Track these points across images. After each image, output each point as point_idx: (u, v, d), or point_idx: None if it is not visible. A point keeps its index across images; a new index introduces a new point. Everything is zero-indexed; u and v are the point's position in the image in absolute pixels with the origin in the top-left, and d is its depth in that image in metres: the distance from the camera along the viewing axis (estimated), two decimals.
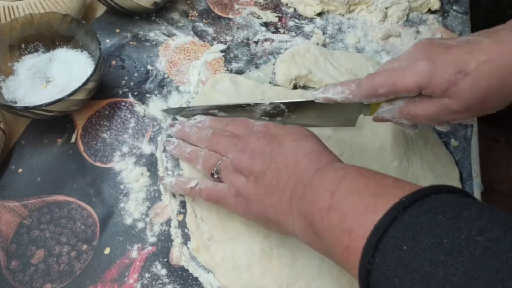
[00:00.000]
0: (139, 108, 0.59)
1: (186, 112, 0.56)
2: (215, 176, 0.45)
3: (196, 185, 0.46)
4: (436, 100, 0.42)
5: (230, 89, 0.57)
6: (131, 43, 0.66)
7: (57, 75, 0.57)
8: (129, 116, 0.58)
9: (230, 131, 0.47)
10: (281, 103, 0.51)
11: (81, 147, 0.55)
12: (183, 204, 0.51)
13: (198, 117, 0.53)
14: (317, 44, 0.67)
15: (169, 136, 0.55)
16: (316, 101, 0.47)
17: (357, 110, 0.49)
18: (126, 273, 0.46)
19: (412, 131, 0.48)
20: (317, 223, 0.35)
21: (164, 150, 0.55)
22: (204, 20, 0.70)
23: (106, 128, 0.57)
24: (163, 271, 0.47)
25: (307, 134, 0.43)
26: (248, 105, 0.51)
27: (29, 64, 0.57)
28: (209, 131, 0.48)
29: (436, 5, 0.73)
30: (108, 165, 0.54)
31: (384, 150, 0.54)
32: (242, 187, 0.42)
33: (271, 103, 0.51)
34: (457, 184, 0.54)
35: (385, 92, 0.43)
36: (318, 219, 0.35)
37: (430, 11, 0.74)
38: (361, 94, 0.44)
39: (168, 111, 0.57)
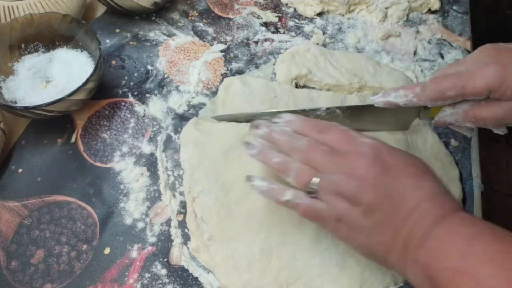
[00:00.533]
0: (139, 108, 0.59)
1: (237, 117, 0.54)
2: (313, 194, 0.40)
3: (292, 199, 0.41)
4: (505, 103, 0.42)
5: (243, 91, 0.57)
6: (131, 43, 0.66)
7: (57, 75, 0.57)
8: (129, 116, 0.58)
9: (327, 143, 0.42)
10: (337, 108, 0.49)
11: (81, 147, 0.55)
12: (183, 204, 0.51)
13: (286, 116, 0.46)
14: (317, 44, 0.67)
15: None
16: (376, 105, 0.46)
17: (414, 114, 0.49)
18: (126, 273, 0.46)
19: (470, 134, 0.49)
20: (441, 282, 0.33)
21: (164, 150, 0.55)
22: (204, 20, 0.70)
23: (106, 128, 0.57)
24: (163, 271, 0.47)
25: (427, 170, 0.39)
26: (303, 110, 0.49)
27: (29, 64, 0.57)
28: (303, 142, 0.42)
29: (436, 5, 0.73)
30: (108, 165, 0.54)
31: None
32: (347, 215, 0.39)
33: (327, 109, 0.49)
34: (457, 184, 0.54)
35: (453, 95, 0.43)
36: (444, 278, 0.33)
37: (430, 11, 0.74)
38: (427, 97, 0.44)
39: (219, 117, 0.55)
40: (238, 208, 0.48)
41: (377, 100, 0.46)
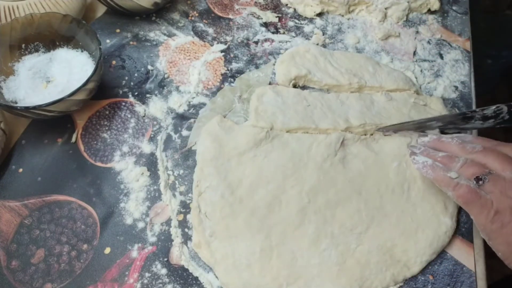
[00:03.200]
0: (139, 108, 0.59)
1: (402, 127, 0.55)
2: (480, 182, 0.43)
3: (456, 178, 0.44)
4: None
5: (276, 100, 0.57)
6: (131, 43, 0.66)
7: (57, 75, 0.57)
8: (129, 116, 0.58)
9: (505, 153, 0.44)
10: (507, 105, 0.47)
11: (82, 147, 0.55)
12: (183, 204, 0.51)
13: (445, 138, 0.49)
14: (317, 44, 0.67)
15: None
16: None
17: None
18: (127, 273, 0.47)
19: None
20: None
21: (164, 150, 0.55)
22: (204, 20, 0.70)
23: (106, 128, 0.57)
24: (163, 271, 0.47)
25: None
26: (473, 111, 0.49)
27: (29, 64, 0.57)
28: (477, 146, 0.45)
29: (435, 5, 0.73)
30: (108, 165, 0.54)
31: (383, 152, 0.54)
32: (510, 214, 0.41)
33: (497, 106, 0.47)
34: None
35: None
36: None
37: (429, 11, 0.74)
38: None
39: (384, 129, 0.56)
40: (241, 207, 0.49)
41: None
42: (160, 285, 0.46)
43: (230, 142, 0.53)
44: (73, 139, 0.55)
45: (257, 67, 0.64)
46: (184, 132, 0.57)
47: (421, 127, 0.54)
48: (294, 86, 0.61)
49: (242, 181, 0.50)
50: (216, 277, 0.47)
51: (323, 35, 0.69)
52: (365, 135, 0.57)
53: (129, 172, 0.53)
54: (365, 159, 0.53)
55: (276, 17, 0.71)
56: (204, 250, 0.47)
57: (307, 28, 0.70)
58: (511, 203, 0.41)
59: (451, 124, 0.52)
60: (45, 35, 0.58)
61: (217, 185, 0.50)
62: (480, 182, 0.42)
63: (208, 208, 0.49)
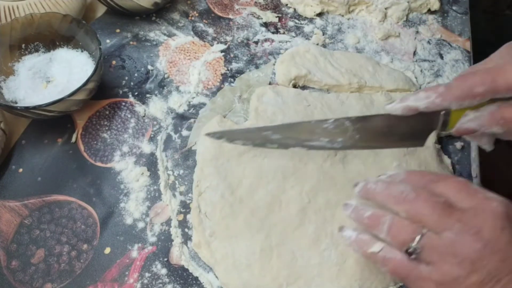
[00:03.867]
0: (139, 108, 0.59)
1: (233, 135, 0.49)
2: (412, 256, 0.35)
3: (379, 251, 0.36)
4: None
5: (277, 100, 0.57)
6: (131, 43, 0.66)
7: (57, 75, 0.57)
8: (129, 116, 0.58)
9: (441, 195, 0.36)
10: (347, 119, 0.44)
11: (82, 147, 0.55)
12: (183, 204, 0.51)
13: (389, 172, 0.42)
14: (317, 44, 0.67)
15: None
16: (393, 113, 0.41)
17: (432, 123, 0.43)
18: (127, 273, 0.47)
19: (490, 146, 0.43)
20: None
21: (164, 150, 0.55)
22: (204, 20, 0.70)
23: (107, 128, 0.57)
24: (163, 271, 0.47)
25: None
26: (308, 122, 0.45)
27: (29, 64, 0.57)
28: (406, 189, 0.36)
29: (435, 5, 0.73)
30: (108, 165, 0.54)
31: (383, 152, 0.54)
32: (456, 283, 0.33)
33: (335, 120, 0.44)
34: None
35: (482, 92, 0.37)
36: None
37: (429, 12, 0.74)
38: (453, 96, 0.39)
39: (212, 135, 0.49)
40: (241, 207, 0.49)
41: (394, 107, 0.41)
42: (160, 285, 0.46)
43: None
44: (73, 139, 0.55)
45: (257, 67, 0.64)
46: (184, 132, 0.57)
47: (260, 136, 0.47)
48: (294, 86, 0.61)
49: (242, 181, 0.50)
50: (216, 277, 0.47)
51: (323, 35, 0.69)
52: None
53: (129, 172, 0.53)
54: (365, 159, 0.53)
55: (276, 17, 0.71)
56: (204, 250, 0.47)
57: (307, 28, 0.70)
58: (453, 273, 0.33)
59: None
60: (45, 35, 0.58)
61: (217, 185, 0.50)
62: (412, 256, 0.35)
63: (208, 208, 0.49)
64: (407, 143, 0.46)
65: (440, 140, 0.58)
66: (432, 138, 0.57)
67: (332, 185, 0.51)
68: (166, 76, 0.62)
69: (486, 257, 0.32)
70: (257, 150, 0.52)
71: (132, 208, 0.50)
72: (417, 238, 0.34)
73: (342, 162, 0.52)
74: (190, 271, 0.47)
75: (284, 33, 0.69)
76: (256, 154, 0.52)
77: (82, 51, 0.58)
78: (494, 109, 0.39)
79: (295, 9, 0.72)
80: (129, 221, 0.50)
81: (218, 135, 0.49)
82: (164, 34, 0.67)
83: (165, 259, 0.47)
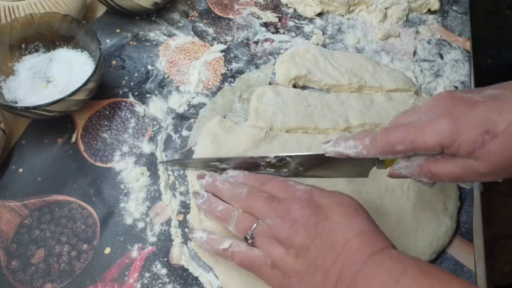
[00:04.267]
0: (139, 108, 0.59)
1: (185, 163, 0.53)
2: (249, 241, 0.41)
3: (229, 247, 0.42)
4: (461, 160, 0.38)
5: (277, 100, 0.57)
6: (131, 43, 0.66)
7: (57, 75, 0.57)
8: (129, 116, 0.58)
9: (267, 192, 0.43)
10: (288, 156, 0.47)
11: (82, 147, 0.55)
12: (183, 204, 0.51)
13: (231, 172, 0.48)
14: (317, 44, 0.67)
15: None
16: (327, 155, 0.44)
17: (370, 162, 0.45)
18: (127, 273, 0.47)
19: (430, 187, 0.43)
20: None
21: (164, 150, 0.55)
22: (204, 20, 0.70)
23: (106, 128, 0.57)
24: (163, 271, 0.47)
25: (357, 208, 0.39)
26: (252, 158, 0.48)
27: (29, 64, 0.57)
28: (244, 190, 0.44)
29: (435, 5, 0.73)
30: (108, 165, 0.54)
31: None
32: (280, 260, 0.39)
33: (276, 156, 0.47)
34: (453, 183, 0.54)
35: (403, 150, 0.39)
36: None
37: (429, 12, 0.74)
38: (376, 150, 0.41)
39: (166, 163, 0.53)
40: None
41: (328, 149, 0.43)
42: (160, 285, 0.46)
43: (229, 143, 0.53)
44: (73, 139, 0.55)
45: (257, 67, 0.64)
46: (184, 132, 0.57)
47: (208, 166, 0.51)
48: (294, 86, 0.62)
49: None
50: (216, 277, 0.47)
51: (323, 35, 0.69)
52: None
53: (129, 172, 0.53)
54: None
55: (276, 17, 0.71)
56: (205, 251, 0.47)
57: (307, 28, 0.70)
58: (277, 252, 0.39)
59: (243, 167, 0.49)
60: (45, 35, 0.58)
61: None
62: (249, 241, 0.41)
63: None
64: (352, 175, 0.48)
65: None
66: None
67: (332, 186, 0.50)
68: (166, 76, 0.62)
69: (295, 233, 0.38)
70: (257, 150, 0.52)
71: (132, 208, 0.50)
72: (253, 226, 0.41)
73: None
74: (190, 271, 0.47)
75: (284, 33, 0.69)
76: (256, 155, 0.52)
77: (82, 51, 0.58)
78: (422, 162, 0.40)
79: (295, 9, 0.72)
80: (129, 221, 0.50)
81: (171, 163, 0.53)
82: (164, 34, 0.67)
83: (165, 259, 0.47)
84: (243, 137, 0.53)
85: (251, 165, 0.49)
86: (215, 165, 0.50)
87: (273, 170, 0.49)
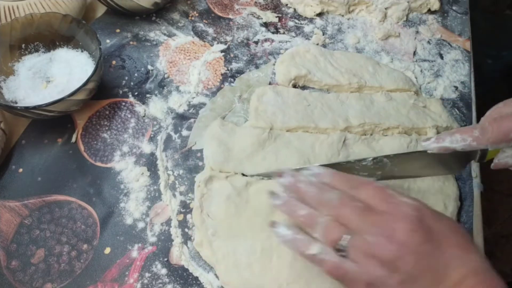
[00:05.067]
0: (139, 108, 0.59)
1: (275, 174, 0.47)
2: (340, 253, 0.37)
3: (317, 253, 0.38)
4: None
5: (277, 100, 0.57)
6: (131, 43, 0.66)
7: (57, 75, 0.57)
8: (129, 116, 0.58)
9: (362, 200, 0.39)
10: (385, 157, 0.45)
11: (82, 147, 0.55)
12: (183, 204, 0.51)
13: (315, 169, 0.43)
14: (317, 44, 0.67)
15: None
16: (429, 151, 0.43)
17: (468, 157, 0.45)
18: (127, 273, 0.47)
19: None
20: None
21: (164, 150, 0.55)
22: (204, 20, 0.70)
23: (107, 128, 0.57)
24: (163, 271, 0.47)
25: (471, 240, 0.37)
26: (348, 162, 0.46)
27: (29, 64, 0.57)
28: (334, 196, 0.39)
29: (435, 5, 0.73)
30: (108, 165, 0.54)
31: (384, 152, 0.54)
32: (381, 282, 0.35)
33: (374, 159, 0.45)
34: (452, 183, 0.53)
35: None
36: None
37: (429, 11, 0.74)
38: (488, 140, 0.40)
39: (258, 176, 0.51)
40: (247, 206, 0.49)
41: (431, 146, 0.42)
42: (160, 285, 0.46)
43: (236, 145, 0.53)
44: (73, 139, 0.55)
45: (257, 67, 0.64)
46: (184, 132, 0.57)
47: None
48: (294, 86, 0.62)
49: (252, 184, 0.50)
50: (216, 276, 0.47)
51: (323, 35, 0.69)
52: (365, 135, 0.57)
53: (129, 172, 0.53)
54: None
55: (276, 17, 0.71)
56: (206, 249, 0.47)
57: (307, 28, 0.70)
58: (377, 273, 0.35)
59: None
60: (45, 35, 0.58)
61: (223, 186, 0.50)
62: (342, 253, 0.37)
63: (211, 208, 0.49)
64: (444, 172, 0.48)
65: None
66: (433, 135, 0.57)
67: None
68: (166, 76, 0.62)
69: (402, 258, 0.34)
70: (264, 150, 0.52)
71: (132, 208, 0.50)
72: (345, 237, 0.37)
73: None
74: (190, 271, 0.47)
75: (284, 33, 0.69)
76: (265, 158, 0.52)
77: (82, 51, 0.58)
78: None
79: (295, 9, 0.72)
80: (129, 221, 0.50)
81: (263, 175, 0.50)
82: (164, 34, 0.67)
83: (165, 259, 0.47)
84: (248, 138, 0.53)
85: (344, 170, 0.45)
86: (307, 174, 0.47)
87: (366, 173, 0.46)
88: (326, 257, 0.38)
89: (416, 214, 0.36)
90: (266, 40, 0.68)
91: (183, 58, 0.64)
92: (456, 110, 0.62)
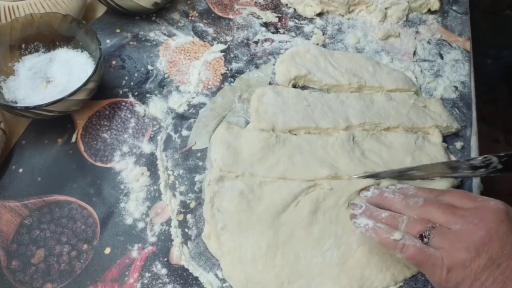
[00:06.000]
0: (139, 108, 0.59)
1: (379, 175, 0.51)
2: (425, 239, 0.40)
3: (400, 239, 0.40)
4: None
5: (277, 100, 0.57)
6: (131, 43, 0.66)
7: (57, 75, 0.57)
8: (129, 116, 0.58)
9: (447, 202, 0.42)
10: (496, 155, 0.45)
11: (82, 147, 0.55)
12: (183, 204, 0.51)
13: (399, 185, 0.48)
14: (317, 44, 0.67)
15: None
16: None
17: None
18: (127, 273, 0.47)
19: None
20: None
21: (164, 150, 0.55)
22: (204, 20, 0.70)
23: (107, 128, 0.57)
24: (163, 271, 0.47)
25: None
26: (456, 161, 0.47)
27: (29, 64, 0.57)
28: (419, 199, 0.43)
29: (435, 5, 0.73)
30: (108, 165, 0.54)
31: (394, 147, 0.55)
32: (463, 266, 0.37)
33: (485, 157, 0.45)
34: (451, 183, 0.54)
35: None
36: None
37: (429, 12, 0.74)
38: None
39: (360, 177, 0.51)
40: (259, 203, 0.49)
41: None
42: (160, 285, 0.46)
43: (244, 148, 0.53)
44: (73, 139, 0.55)
45: (257, 67, 0.64)
46: (184, 132, 0.57)
47: (401, 175, 0.50)
48: (294, 86, 0.62)
49: (267, 184, 0.50)
50: (216, 276, 0.47)
51: (323, 35, 0.69)
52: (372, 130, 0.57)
53: (129, 172, 0.53)
54: (381, 156, 0.54)
55: (276, 17, 0.71)
56: (213, 242, 0.48)
57: (307, 28, 0.70)
58: (461, 257, 0.38)
59: (435, 174, 0.50)
60: (45, 35, 0.58)
61: (236, 185, 0.50)
62: (425, 239, 0.40)
63: (222, 203, 0.49)
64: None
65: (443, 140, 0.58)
66: (438, 136, 0.57)
67: (345, 184, 0.50)
68: (166, 76, 0.62)
69: (488, 244, 0.37)
70: (275, 154, 0.52)
71: (132, 208, 0.50)
72: (429, 227, 0.40)
73: (360, 159, 0.53)
74: (190, 271, 0.47)
75: (284, 33, 0.69)
76: (279, 161, 0.52)
77: (82, 51, 0.58)
78: None
79: (295, 9, 0.72)
80: (129, 221, 0.50)
81: (364, 177, 0.51)
82: (164, 34, 0.67)
83: (165, 259, 0.47)
84: (256, 142, 0.53)
85: (450, 168, 0.48)
86: (412, 174, 0.50)
87: (470, 171, 0.47)
88: (408, 242, 0.40)
89: (504, 208, 0.39)
90: (266, 40, 0.68)
91: (183, 58, 0.64)
92: (456, 110, 0.63)
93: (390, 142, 0.56)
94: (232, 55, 0.65)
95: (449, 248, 0.38)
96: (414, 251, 0.40)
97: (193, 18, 0.70)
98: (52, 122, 0.56)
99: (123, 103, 0.59)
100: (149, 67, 0.63)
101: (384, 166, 0.52)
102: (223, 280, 0.47)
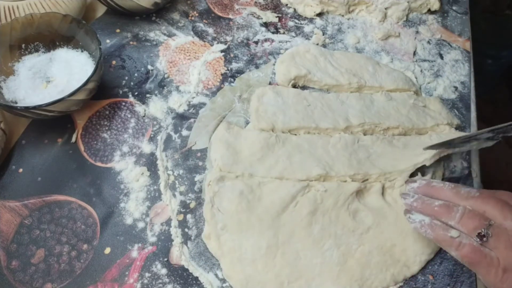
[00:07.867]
0: (139, 108, 0.59)
1: (451, 142, 0.50)
2: (484, 239, 0.39)
3: (457, 237, 0.40)
4: None
5: (277, 100, 0.57)
6: (131, 43, 0.66)
7: (57, 75, 0.57)
8: (129, 116, 0.58)
9: (503, 199, 0.41)
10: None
11: (82, 147, 0.55)
12: (183, 204, 0.51)
13: (447, 183, 0.46)
14: (317, 44, 0.67)
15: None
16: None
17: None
18: (127, 273, 0.47)
19: None
20: None
21: (164, 150, 0.55)
22: (204, 20, 0.70)
23: (107, 128, 0.57)
24: (163, 271, 0.47)
25: None
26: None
27: (29, 64, 0.57)
28: (472, 190, 0.43)
29: (435, 5, 0.73)
30: (108, 165, 0.54)
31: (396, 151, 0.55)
32: None
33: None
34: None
35: None
36: None
37: (429, 12, 0.74)
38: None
39: (431, 148, 0.51)
40: (258, 204, 0.49)
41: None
42: (160, 285, 0.46)
43: (244, 148, 0.53)
44: (73, 139, 0.55)
45: (257, 67, 0.64)
46: (184, 132, 0.57)
47: (470, 139, 0.50)
48: (294, 86, 0.62)
49: (266, 183, 0.50)
50: (216, 276, 0.47)
51: (323, 35, 0.69)
52: (365, 134, 0.57)
53: (129, 172, 0.53)
54: (393, 155, 0.53)
55: (276, 17, 0.71)
56: (213, 242, 0.48)
57: (307, 28, 0.70)
58: None
59: (502, 132, 0.48)
60: (45, 35, 0.58)
61: (236, 185, 0.50)
62: (484, 239, 0.39)
63: (222, 203, 0.49)
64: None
65: None
66: (450, 133, 0.57)
67: (338, 186, 0.50)
68: (166, 76, 0.62)
69: None
70: (274, 154, 0.52)
71: (132, 208, 0.50)
72: (486, 225, 0.39)
73: (361, 162, 0.52)
74: (190, 271, 0.47)
75: (284, 33, 0.69)
76: (278, 161, 0.52)
77: (82, 51, 0.58)
78: None
79: (295, 9, 0.72)
80: (129, 221, 0.50)
81: (436, 147, 0.51)
82: (164, 34, 0.67)
83: (165, 259, 0.47)
84: (255, 142, 0.53)
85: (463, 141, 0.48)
86: (481, 136, 0.48)
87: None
88: (465, 241, 0.40)
89: None
90: (266, 40, 0.68)
91: (183, 58, 0.64)
92: (456, 110, 0.63)
93: (403, 145, 0.55)
94: (232, 55, 0.65)
95: (505, 248, 0.38)
96: (470, 250, 0.39)
97: (193, 18, 0.70)
98: (52, 122, 0.56)
99: (123, 103, 0.59)
100: (149, 67, 0.63)
101: (392, 168, 0.52)
102: (223, 280, 0.47)
